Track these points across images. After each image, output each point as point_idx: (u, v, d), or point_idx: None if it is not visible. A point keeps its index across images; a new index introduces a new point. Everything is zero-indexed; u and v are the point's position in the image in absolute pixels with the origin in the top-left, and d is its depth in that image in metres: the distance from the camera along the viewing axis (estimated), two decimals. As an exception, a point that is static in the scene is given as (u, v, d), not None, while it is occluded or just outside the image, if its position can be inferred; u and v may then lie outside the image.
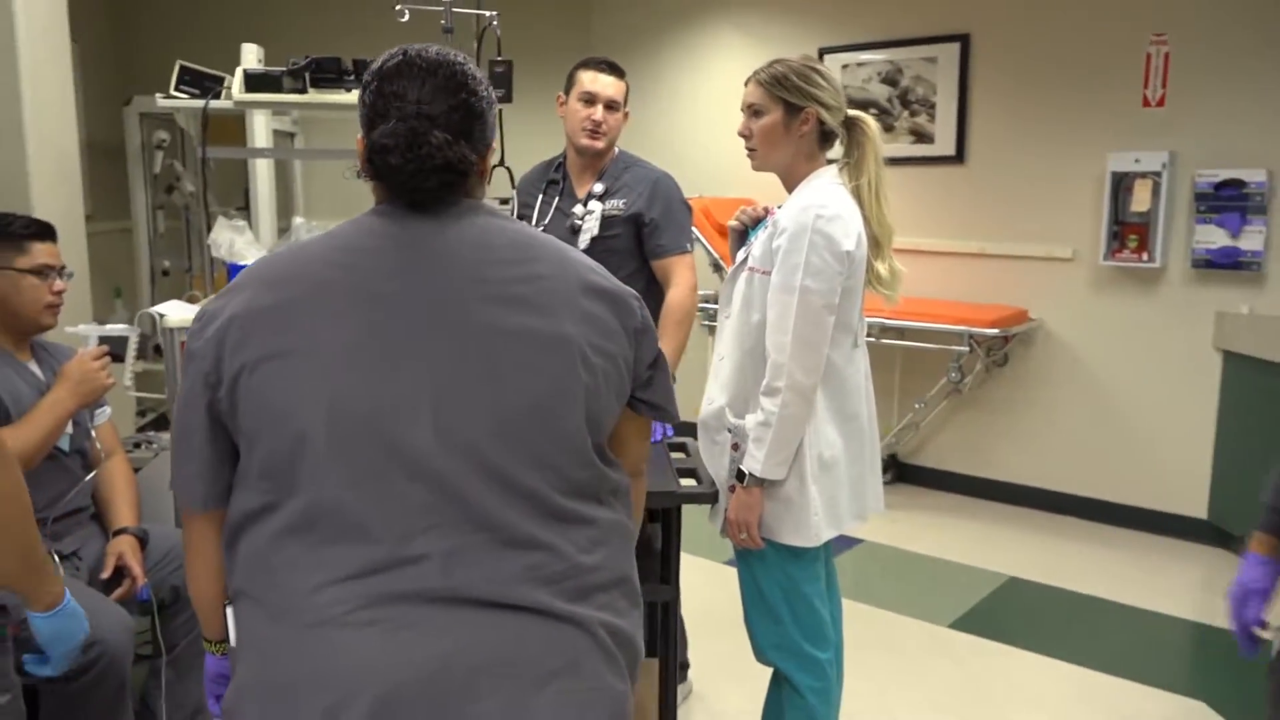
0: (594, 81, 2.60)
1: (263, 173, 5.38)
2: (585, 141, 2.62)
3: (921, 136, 4.76)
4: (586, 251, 2.60)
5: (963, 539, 4.29)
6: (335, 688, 1.11)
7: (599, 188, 2.66)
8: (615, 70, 2.62)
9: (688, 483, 2.16)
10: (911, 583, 3.83)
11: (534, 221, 2.72)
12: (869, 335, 4.51)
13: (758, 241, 2.03)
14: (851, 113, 2.05)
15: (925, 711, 2.87)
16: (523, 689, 1.16)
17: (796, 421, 1.95)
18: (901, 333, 4.64)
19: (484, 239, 1.23)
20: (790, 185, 2.07)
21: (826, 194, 1.97)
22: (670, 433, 2.41)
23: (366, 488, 1.14)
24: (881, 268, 2.04)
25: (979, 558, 4.05)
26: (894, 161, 4.79)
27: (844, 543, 4.20)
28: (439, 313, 1.18)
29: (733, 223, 2.16)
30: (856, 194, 2.04)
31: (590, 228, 2.63)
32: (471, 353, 1.18)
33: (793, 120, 2.00)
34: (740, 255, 2.10)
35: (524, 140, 3.11)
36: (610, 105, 2.61)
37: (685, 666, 2.89)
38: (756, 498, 1.99)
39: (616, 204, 2.64)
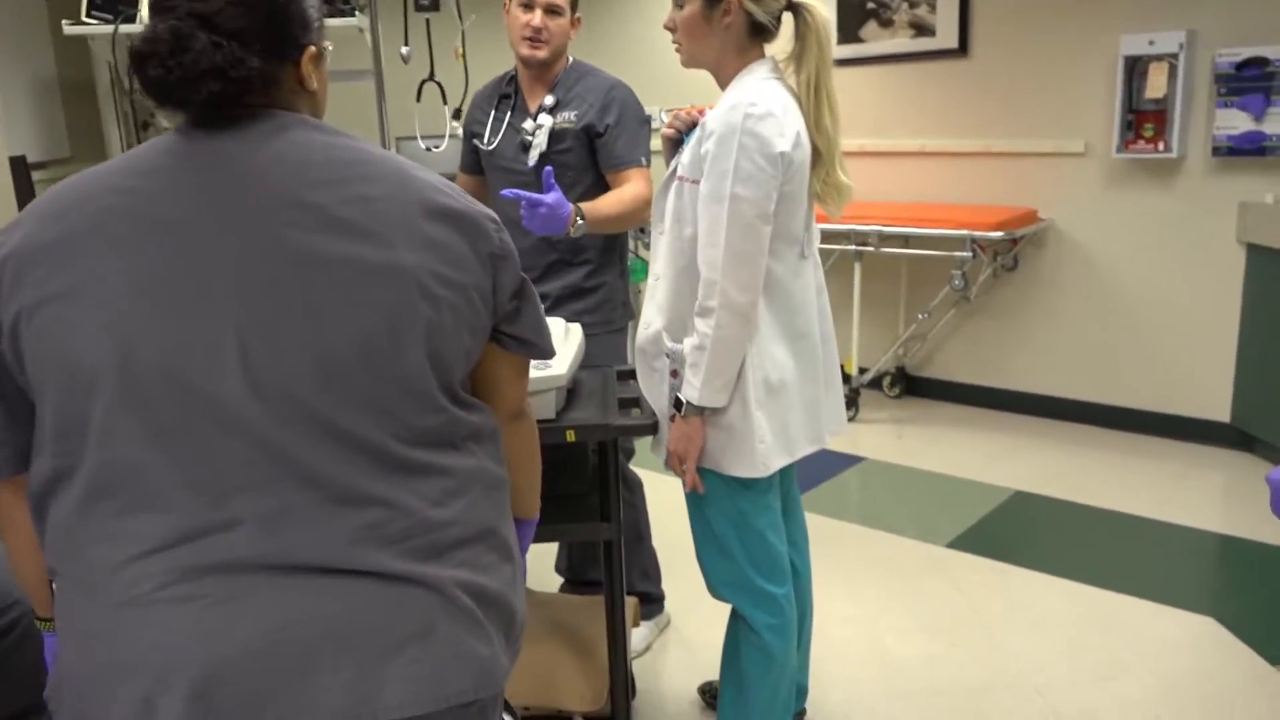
0: None
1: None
2: (526, 51, 2.42)
3: (922, 29, 4.47)
4: (536, 168, 2.44)
5: (969, 453, 4.12)
6: (150, 671, 0.99)
7: (549, 100, 2.47)
8: None
9: (636, 413, 2.02)
10: (911, 501, 3.69)
11: (485, 140, 2.54)
12: (866, 244, 4.33)
13: (687, 148, 1.85)
14: (798, -1, 1.83)
15: (916, 636, 2.75)
16: (368, 661, 1.03)
17: (734, 343, 1.78)
18: (906, 240, 4.41)
19: (301, 155, 1.07)
20: (722, 84, 1.87)
21: (757, 91, 1.77)
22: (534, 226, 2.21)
23: (168, 445, 1.00)
24: (816, 181, 1.85)
25: (985, 472, 3.89)
26: (893, 59, 4.56)
27: (843, 461, 4.06)
28: (243, 241, 1.02)
29: (665, 130, 1.97)
30: (797, 94, 1.84)
31: (539, 143, 2.45)
32: (284, 286, 1.03)
33: (713, 10, 1.79)
34: (672, 165, 1.91)
35: (485, 55, 2.92)
36: (551, 9, 2.40)
37: (659, 599, 2.79)
38: (696, 427, 1.85)
39: (568, 116, 2.45)
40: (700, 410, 1.83)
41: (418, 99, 2.58)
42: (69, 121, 4.28)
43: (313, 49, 1.11)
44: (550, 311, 2.50)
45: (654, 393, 1.94)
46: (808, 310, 1.93)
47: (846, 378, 4.62)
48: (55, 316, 1.00)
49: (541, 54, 2.42)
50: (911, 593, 3.00)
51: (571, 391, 2.08)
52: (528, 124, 2.46)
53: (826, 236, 4.59)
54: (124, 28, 2.42)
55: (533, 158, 2.45)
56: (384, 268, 1.05)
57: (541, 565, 3.00)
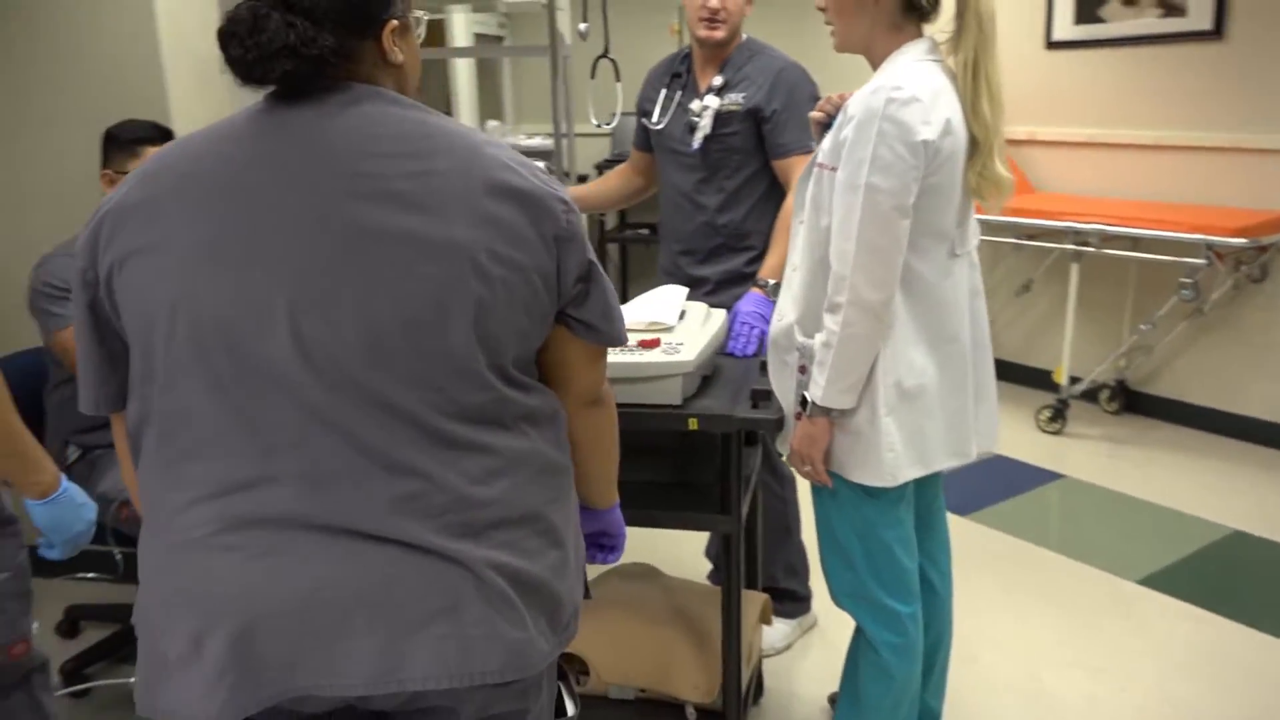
0: None
1: (463, 76, 5.46)
2: (703, 33, 2.38)
3: (1171, 9, 4.03)
4: (701, 150, 2.40)
5: (1187, 482, 3.72)
6: (199, 612, 1.06)
7: (718, 80, 2.42)
8: None
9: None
10: (1107, 528, 3.37)
11: (654, 119, 2.53)
12: (1086, 244, 3.97)
13: (830, 133, 1.75)
14: (959, -29, 1.69)
15: (1079, 674, 2.52)
16: (397, 630, 1.06)
17: (862, 343, 1.68)
18: (1134, 242, 4.02)
19: (370, 128, 1.09)
20: (875, 66, 1.75)
21: (906, 74, 1.64)
22: (747, 350, 2.19)
23: (222, 396, 1.06)
24: (971, 173, 1.70)
25: (1201, 505, 3.50)
26: (1135, 41, 4.14)
27: (1038, 476, 3.77)
28: (303, 209, 1.05)
29: (815, 113, 1.87)
30: (954, 75, 1.70)
31: (704, 125, 2.40)
32: (338, 256, 1.05)
33: None
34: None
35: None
36: None
37: (805, 598, 2.70)
38: (822, 428, 1.76)
39: (734, 98, 2.39)
40: (825, 411, 1.74)
41: (591, 75, 2.60)
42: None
43: (394, 23, 1.13)
44: (709, 295, 2.46)
45: (783, 388, 1.86)
46: (956, 313, 1.79)
47: (1054, 387, 4.29)
48: (137, 269, 1.07)
49: (719, 34, 2.37)
50: (1084, 627, 2.75)
51: (709, 378, 2.04)
52: (695, 104, 2.42)
53: (1043, 234, 4.27)
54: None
55: (697, 140, 2.41)
56: (437, 243, 1.06)
57: (692, 550, 2.97)
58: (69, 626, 2.64)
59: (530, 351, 1.17)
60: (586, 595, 1.31)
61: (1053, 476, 3.79)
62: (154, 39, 2.63)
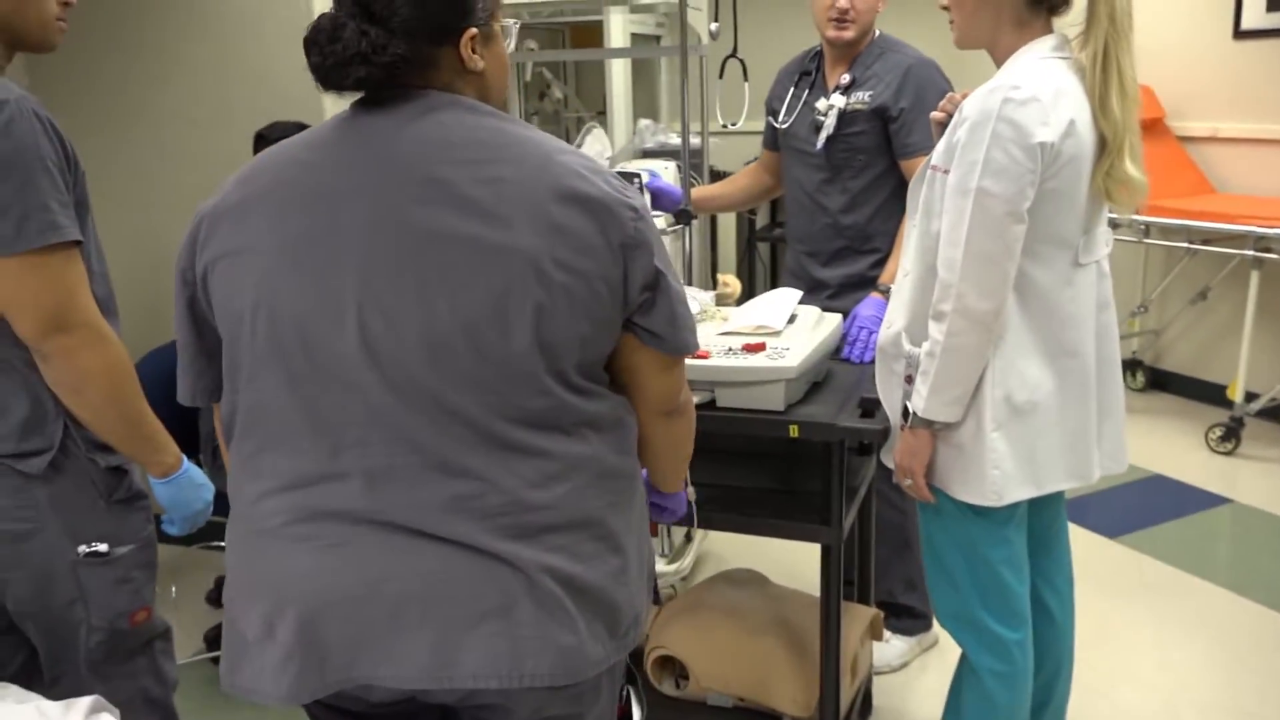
0: None
1: (618, 76, 5.52)
2: (832, 33, 2.32)
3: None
4: (825, 150, 2.34)
5: (1378, 514, 3.37)
6: (272, 596, 1.12)
7: (846, 78, 2.35)
8: None
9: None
10: (1277, 560, 3.09)
11: (780, 117, 2.49)
12: (1269, 250, 3.64)
13: (945, 134, 1.67)
14: (1091, -41, 1.58)
15: (1224, 718, 2.33)
16: (451, 626, 1.08)
17: (968, 354, 1.60)
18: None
19: (444, 135, 1.11)
20: (999, 63, 1.66)
21: (1027, 72, 1.55)
22: (864, 357, 2.12)
23: (298, 393, 1.11)
24: (1099, 174, 1.59)
25: (1392, 541, 3.17)
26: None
27: (1202, 499, 3.50)
28: (375, 214, 1.09)
29: (936, 113, 1.79)
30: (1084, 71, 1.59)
31: (829, 124, 2.34)
32: (406, 260, 1.08)
33: None
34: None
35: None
36: None
37: (925, 615, 2.60)
38: (925, 441, 1.68)
39: (861, 96, 2.32)
40: (928, 423, 1.66)
41: (720, 75, 2.57)
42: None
43: (474, 31, 1.14)
44: (832, 299, 2.40)
45: (889, 397, 1.79)
46: (1080, 325, 1.67)
47: (1228, 403, 3.96)
48: (228, 269, 1.14)
49: (849, 34, 2.31)
50: (1239, 667, 2.53)
51: (820, 384, 1.99)
52: (821, 103, 2.36)
53: (1221, 238, 3.95)
54: None
55: (821, 139, 2.35)
56: (500, 249, 1.07)
57: (805, 556, 2.90)
58: (218, 595, 2.84)
59: (597, 357, 1.17)
60: (656, 601, 1.30)
61: (1220, 501, 3.51)
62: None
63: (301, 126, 2.39)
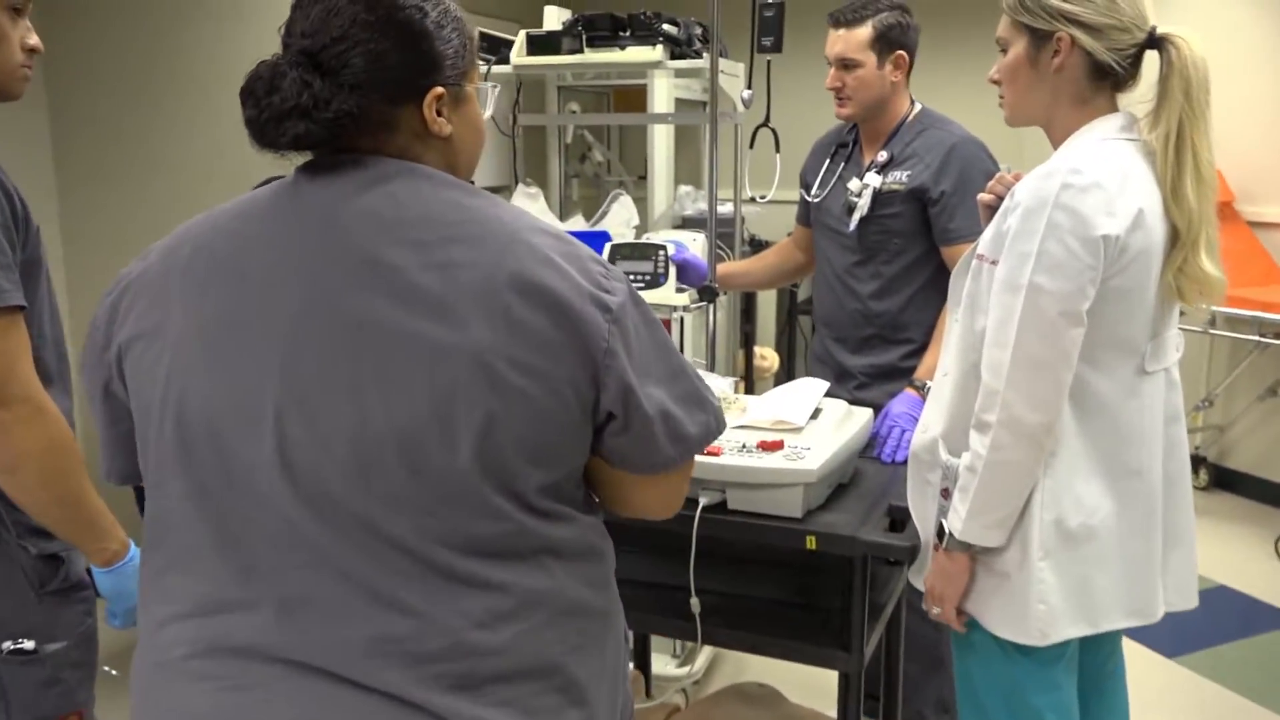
0: (828, 40, 2.17)
1: (660, 140, 5.42)
2: (835, 110, 2.19)
3: None
4: (857, 232, 2.17)
5: None
6: None
7: (883, 156, 2.19)
8: (845, 20, 2.12)
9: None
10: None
11: (812, 191, 2.32)
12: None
13: (994, 220, 1.49)
14: (1162, 30, 1.40)
15: None
16: None
17: (1015, 471, 1.40)
18: None
19: (395, 211, 0.95)
20: (1055, 144, 1.48)
21: (1088, 155, 1.37)
22: (895, 457, 1.92)
23: (204, 505, 0.94)
24: (1170, 270, 1.40)
25: None
26: None
27: (1271, 617, 3.21)
28: (304, 300, 0.93)
29: (984, 195, 1.61)
30: (1152, 155, 1.41)
31: (862, 205, 2.17)
32: (332, 355, 0.92)
33: (1040, 51, 1.42)
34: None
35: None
36: (844, 64, 2.13)
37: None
38: (961, 566, 1.48)
39: (898, 176, 2.15)
40: (966, 546, 1.46)
41: (750, 145, 2.42)
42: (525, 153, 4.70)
43: (439, 90, 0.99)
44: (860, 390, 2.21)
45: (922, 511, 1.59)
46: (1146, 442, 1.47)
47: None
48: (140, 354, 0.99)
49: (847, 110, 2.17)
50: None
51: (845, 485, 1.80)
52: (854, 183, 2.19)
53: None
54: (495, 68, 2.55)
55: (854, 221, 2.18)
56: (446, 346, 0.90)
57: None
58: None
59: (566, 474, 0.99)
60: None
61: (1289, 621, 3.22)
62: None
63: None
